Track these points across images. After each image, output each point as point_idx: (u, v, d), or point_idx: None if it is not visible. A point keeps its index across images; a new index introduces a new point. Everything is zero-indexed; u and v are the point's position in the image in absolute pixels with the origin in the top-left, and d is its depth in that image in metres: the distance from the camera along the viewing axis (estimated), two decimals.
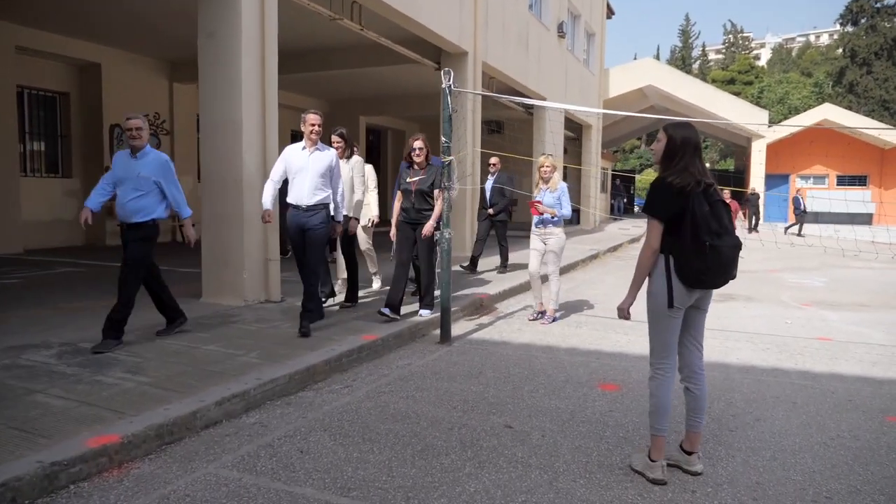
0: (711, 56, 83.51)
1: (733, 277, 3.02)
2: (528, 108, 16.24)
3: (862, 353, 5.63)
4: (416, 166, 5.92)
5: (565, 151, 23.29)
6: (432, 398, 4.10)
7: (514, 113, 18.10)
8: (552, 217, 6.43)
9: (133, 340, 4.77)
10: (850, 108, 42.39)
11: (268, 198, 5.24)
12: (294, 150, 5.31)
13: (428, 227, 5.79)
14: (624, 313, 3.13)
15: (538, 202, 6.40)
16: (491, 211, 9.39)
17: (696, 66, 78.68)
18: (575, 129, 22.16)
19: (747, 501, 2.79)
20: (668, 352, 3.06)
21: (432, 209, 5.85)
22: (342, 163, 6.22)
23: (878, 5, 46.16)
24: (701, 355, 3.18)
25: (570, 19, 18.68)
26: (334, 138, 6.29)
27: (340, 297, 6.67)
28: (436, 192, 5.80)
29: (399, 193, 6.05)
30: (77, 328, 5.12)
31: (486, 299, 7.34)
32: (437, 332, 5.72)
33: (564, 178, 21.11)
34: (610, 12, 26.02)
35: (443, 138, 5.54)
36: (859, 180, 27.81)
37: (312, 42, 11.52)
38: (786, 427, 3.72)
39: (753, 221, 21.87)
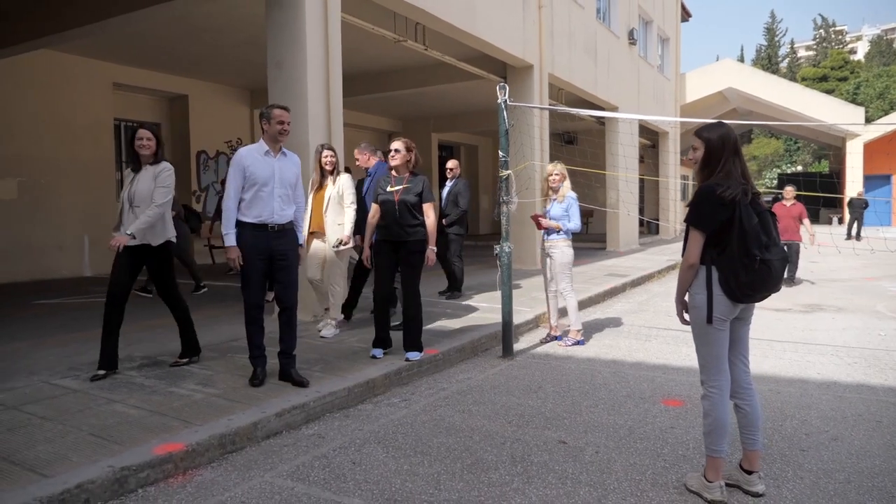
0: (801, 53, 79.33)
1: (777, 290, 2.87)
2: (599, 118, 15.98)
3: None
4: (395, 172, 4.99)
5: (641, 160, 22.70)
6: (488, 412, 4.09)
7: (586, 123, 17.85)
8: (557, 231, 5.97)
9: (207, 356, 5.04)
10: None
11: (232, 231, 4.10)
12: (253, 156, 4.19)
13: (432, 257, 4.98)
14: (680, 320, 3.02)
15: (541, 216, 6.00)
16: (444, 222, 8.17)
17: (783, 64, 74.92)
18: (651, 137, 21.59)
19: None
20: (719, 367, 2.90)
21: (420, 225, 4.92)
22: (329, 183, 5.61)
23: None
24: (748, 370, 3.01)
25: (642, 25, 18.28)
26: (327, 155, 5.60)
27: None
28: (425, 205, 4.95)
29: (374, 207, 5.05)
30: (157, 343, 5.46)
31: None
32: (500, 346, 5.71)
33: (641, 188, 20.63)
34: (686, 15, 25.27)
35: (500, 153, 5.55)
36: None
37: (379, 63, 11.86)
38: (866, 448, 3.46)
39: (856, 228, 20.00)
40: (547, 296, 6.34)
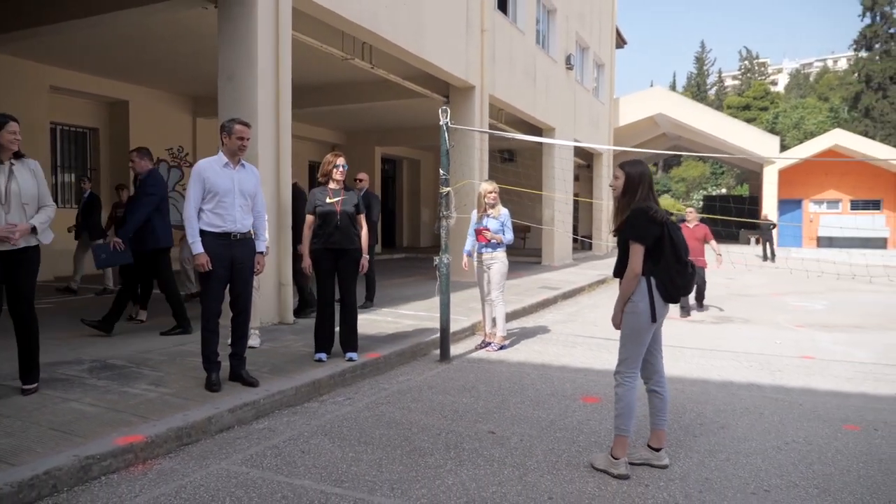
0: (728, 82, 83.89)
1: (690, 292, 3.47)
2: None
3: (840, 370, 5.91)
4: (334, 185, 5.29)
5: (577, 179, 23.72)
6: (425, 408, 4.49)
7: (525, 142, 18.62)
8: (498, 243, 6.46)
9: (157, 359, 5.24)
10: (866, 133, 42.42)
11: (198, 239, 4.26)
12: (213, 168, 4.36)
13: (365, 264, 5.39)
14: (617, 326, 3.49)
15: (486, 229, 6.45)
16: None
17: (712, 92, 79.09)
18: (587, 157, 22.61)
19: (693, 493, 3.14)
20: (639, 361, 3.43)
21: (358, 235, 5.33)
22: None
23: (892, 30, 46.36)
24: (662, 360, 3.55)
25: (579, 51, 19.25)
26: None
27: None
28: (360, 216, 5.38)
29: (309, 218, 5.30)
30: (107, 347, 5.61)
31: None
32: (438, 351, 6.12)
33: (576, 206, 21.51)
34: (622, 41, 26.63)
35: (441, 171, 5.99)
36: (873, 205, 27.79)
37: (327, 78, 12.17)
38: (747, 434, 4.05)
39: (768, 250, 20.27)
40: (483, 306, 6.79)
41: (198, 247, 4.28)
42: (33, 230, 4.05)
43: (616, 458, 3.34)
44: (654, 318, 3.33)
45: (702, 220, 9.92)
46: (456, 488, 3.14)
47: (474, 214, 6.69)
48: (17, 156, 4.09)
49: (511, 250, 6.82)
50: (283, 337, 6.32)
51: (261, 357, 5.38)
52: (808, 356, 6.52)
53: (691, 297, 9.23)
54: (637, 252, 3.33)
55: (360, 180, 8.44)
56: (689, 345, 7.02)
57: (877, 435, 4.08)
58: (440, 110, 5.96)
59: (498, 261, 6.53)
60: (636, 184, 3.43)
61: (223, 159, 4.45)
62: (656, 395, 3.49)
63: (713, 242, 9.50)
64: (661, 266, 3.31)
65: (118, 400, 4.09)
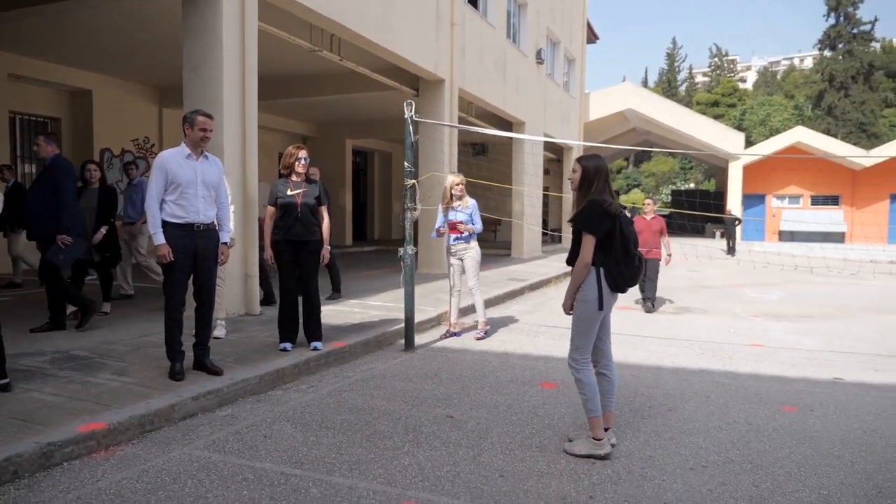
0: (699, 78, 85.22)
1: (637, 283, 3.63)
2: (507, 132, 16.90)
3: (787, 356, 6.19)
4: (295, 177, 5.36)
5: (547, 173, 24.02)
6: (387, 395, 4.61)
7: (497, 136, 18.78)
8: (471, 234, 6.65)
9: (121, 349, 5.27)
10: (828, 131, 43.59)
11: (160, 230, 4.30)
12: (175, 159, 4.39)
13: (326, 255, 5.51)
14: (567, 311, 3.64)
15: (460, 222, 6.61)
16: None
17: (682, 88, 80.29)
18: (557, 151, 22.88)
19: (636, 470, 3.32)
20: (590, 348, 3.60)
21: (318, 226, 5.42)
22: None
23: (855, 31, 47.63)
24: (611, 344, 3.73)
25: (550, 46, 19.45)
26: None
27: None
28: (321, 207, 5.46)
29: (271, 209, 5.39)
30: (70, 338, 5.61)
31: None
32: (403, 340, 6.24)
33: (546, 199, 21.73)
34: (593, 37, 26.91)
35: (406, 164, 6.10)
36: (832, 200, 28.64)
37: (296, 70, 12.13)
38: (692, 415, 4.26)
39: (730, 244, 20.52)
40: (451, 297, 6.95)
41: (160, 237, 4.32)
42: None
43: (598, 440, 3.47)
44: (601, 307, 3.49)
45: (668, 215, 9.99)
46: (412, 468, 3.27)
47: (440, 208, 6.81)
48: None
49: (481, 243, 7.01)
50: (249, 328, 6.38)
51: (226, 347, 5.44)
52: (758, 344, 6.80)
53: (639, 290, 9.00)
54: (588, 243, 3.49)
55: (313, 173, 8.39)
56: (647, 334, 7.25)
57: (812, 415, 4.32)
58: (405, 104, 6.05)
59: (472, 250, 6.75)
60: (592, 177, 3.58)
61: (186, 150, 4.47)
62: (605, 378, 3.66)
63: (666, 238, 9.12)
64: (610, 257, 3.47)
65: (80, 389, 4.13)
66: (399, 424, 3.95)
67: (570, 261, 3.61)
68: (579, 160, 3.68)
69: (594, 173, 3.56)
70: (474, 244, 6.77)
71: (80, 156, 12.74)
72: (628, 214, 3.97)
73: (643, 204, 9.52)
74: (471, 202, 6.78)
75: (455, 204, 6.71)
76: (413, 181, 6.06)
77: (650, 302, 9.01)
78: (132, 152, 13.71)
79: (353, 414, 4.14)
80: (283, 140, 18.59)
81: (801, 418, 4.26)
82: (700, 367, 5.68)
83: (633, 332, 7.35)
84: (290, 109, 16.70)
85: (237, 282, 6.94)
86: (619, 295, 3.66)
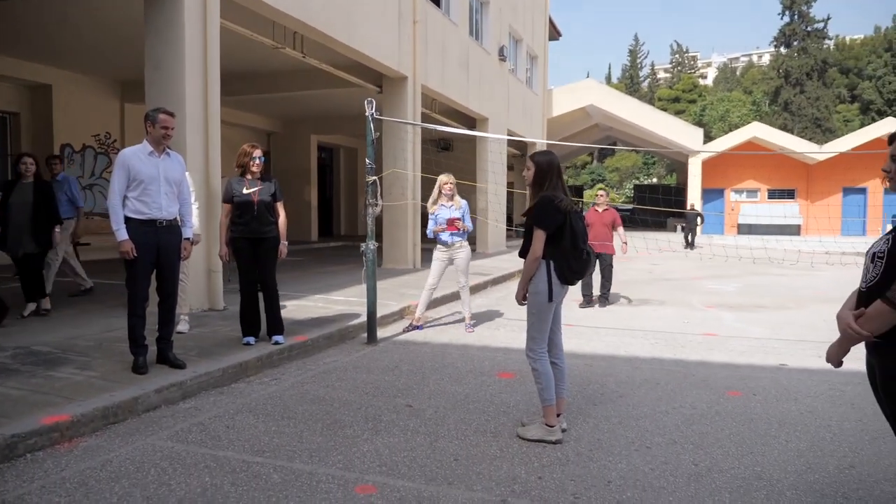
0: (661, 75, 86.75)
1: (586, 276, 3.82)
2: (470, 128, 17.08)
3: (736, 344, 6.49)
4: (250, 175, 5.43)
5: (511, 168, 24.28)
6: (349, 386, 4.73)
7: (459, 133, 18.93)
8: (464, 231, 6.89)
9: (84, 345, 5.28)
10: (785, 126, 44.87)
11: (122, 226, 4.36)
12: (137, 156, 4.45)
13: (284, 251, 5.56)
14: (520, 302, 3.82)
15: (458, 219, 6.84)
16: None
17: (645, 84, 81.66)
18: (521, 147, 23.14)
19: (584, 452, 3.51)
20: (545, 337, 3.77)
21: (276, 223, 5.49)
22: None
23: (809, 29, 49.10)
24: (561, 335, 3.91)
25: (512, 43, 19.68)
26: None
27: None
28: (278, 204, 5.52)
29: (226, 206, 5.47)
30: (31, 333, 5.60)
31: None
32: (366, 334, 6.35)
33: (510, 195, 21.98)
34: (556, 34, 27.27)
35: (367, 161, 6.21)
36: (788, 194, 29.57)
37: (260, 66, 12.11)
38: (641, 401, 4.48)
39: (690, 238, 20.97)
40: (425, 291, 7.03)
41: (122, 234, 4.37)
42: None
43: (551, 426, 3.65)
44: (550, 298, 3.66)
45: (631, 210, 10.10)
46: (370, 454, 3.41)
47: (429, 207, 6.95)
48: None
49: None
50: (213, 322, 6.43)
51: (190, 341, 5.49)
52: (710, 333, 7.10)
53: (597, 287, 8.93)
54: (539, 237, 3.66)
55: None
56: (604, 325, 7.50)
57: (754, 399, 4.58)
58: (366, 102, 6.16)
59: (465, 249, 7.01)
60: (544, 173, 3.76)
61: (148, 147, 4.52)
62: (556, 367, 3.84)
63: (620, 229, 8.98)
64: (559, 251, 3.65)
65: (44, 383, 4.16)
66: (359, 414, 4.08)
67: (523, 253, 3.78)
68: (531, 157, 3.86)
69: (546, 169, 3.73)
70: (466, 243, 7.02)
71: (40, 151, 12.46)
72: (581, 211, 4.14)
73: (596, 195, 9.11)
74: (462, 202, 7.03)
75: (447, 203, 6.89)
76: (374, 177, 6.17)
77: (604, 299, 8.86)
78: (93, 147, 13.50)
79: (314, 405, 4.26)
80: (247, 136, 18.44)
81: (743, 402, 4.51)
82: (652, 356, 5.93)
83: (590, 323, 7.59)
84: (255, 105, 16.61)
85: (201, 277, 6.96)
86: (579, 291, 3.83)
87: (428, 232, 7.06)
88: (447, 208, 6.88)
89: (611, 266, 8.98)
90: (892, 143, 2.26)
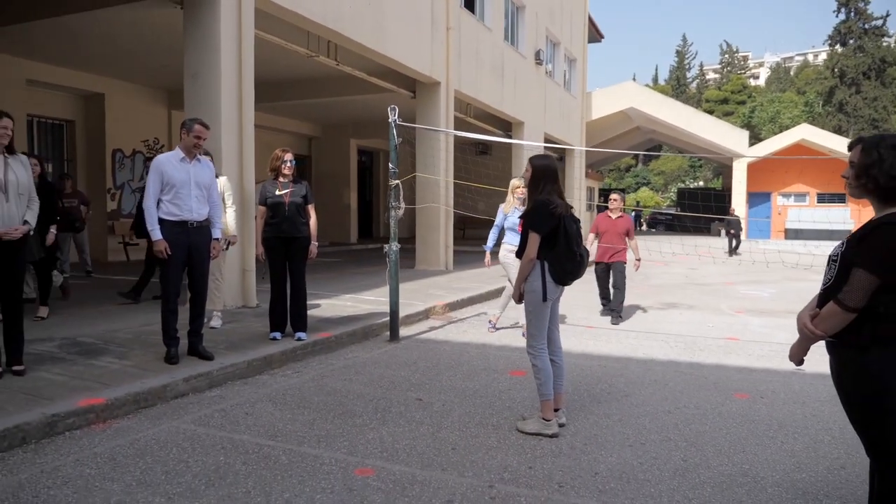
0: (710, 76, 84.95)
1: (581, 276, 3.95)
2: (507, 132, 17.22)
3: (757, 349, 6.47)
4: (282, 178, 5.73)
5: None
6: (365, 380, 4.97)
7: (499, 135, 19.11)
8: None
9: (123, 337, 5.68)
10: (839, 128, 43.44)
11: (157, 227, 4.69)
12: (170, 162, 4.78)
13: (314, 251, 5.85)
14: (517, 301, 3.98)
15: None
16: None
17: (693, 85, 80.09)
18: (559, 151, 23.13)
19: (578, 445, 3.66)
20: (543, 334, 3.94)
21: (307, 223, 5.78)
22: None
23: (866, 26, 47.37)
24: (559, 333, 4.07)
25: (549, 47, 19.73)
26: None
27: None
28: (309, 206, 5.83)
29: (262, 209, 5.77)
30: (77, 326, 6.04)
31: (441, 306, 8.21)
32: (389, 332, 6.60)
33: None
34: (598, 35, 27.13)
35: (390, 165, 6.46)
36: (839, 198, 28.63)
37: (296, 74, 12.55)
38: (646, 401, 4.58)
39: (734, 244, 20.10)
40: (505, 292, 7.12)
41: (157, 234, 4.72)
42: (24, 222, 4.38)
43: (548, 420, 3.82)
44: (545, 298, 3.82)
45: (672, 215, 9.39)
46: (374, 442, 3.64)
47: (501, 209, 6.96)
48: (9, 150, 4.35)
49: (483, 241, 7.29)
50: (245, 319, 6.78)
51: (220, 336, 5.84)
52: (733, 338, 7.08)
53: (602, 299, 8.30)
54: (534, 240, 3.82)
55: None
56: (626, 328, 7.55)
57: (761, 402, 4.62)
58: (389, 108, 6.41)
59: None
60: (540, 176, 3.93)
61: (180, 154, 4.86)
62: (555, 364, 3.99)
63: (634, 241, 8.03)
64: (554, 252, 3.81)
65: (84, 370, 4.53)
66: (370, 405, 4.32)
67: (519, 254, 3.95)
68: (531, 160, 4.03)
69: (542, 173, 3.90)
70: None
71: (94, 157, 13.28)
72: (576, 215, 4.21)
73: (611, 199, 8.19)
74: None
75: (520, 207, 6.79)
76: (396, 181, 6.41)
77: (616, 313, 7.88)
78: (143, 153, 14.20)
79: (330, 396, 4.51)
80: (289, 141, 19.06)
81: (748, 404, 4.56)
82: (669, 359, 5.98)
83: (612, 326, 7.65)
84: (295, 111, 17.15)
85: (236, 276, 7.34)
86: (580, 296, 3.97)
87: (490, 237, 7.03)
88: (519, 211, 6.71)
89: (624, 276, 8.03)
90: (851, 149, 2.36)
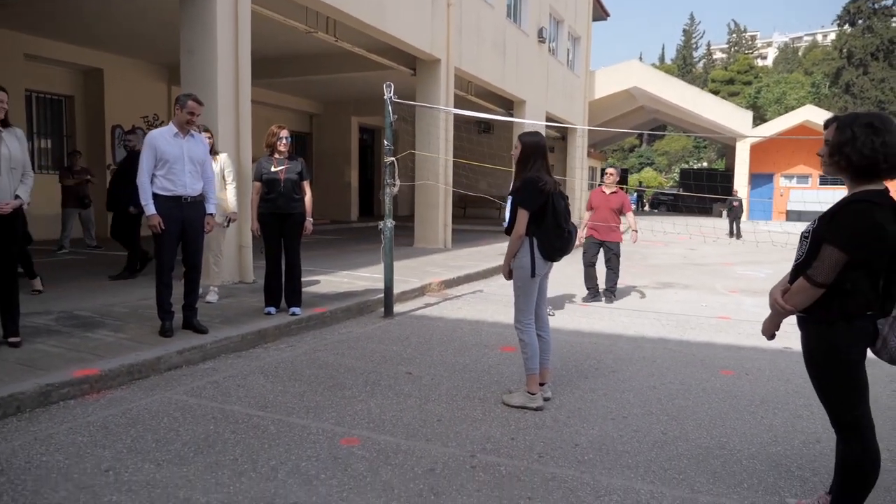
0: (717, 55, 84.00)
1: (569, 252, 4.00)
2: (508, 110, 17.15)
3: (747, 328, 6.53)
4: (278, 155, 5.77)
5: (551, 150, 24.17)
6: (357, 355, 5.05)
7: (500, 114, 19.02)
8: None
9: (120, 311, 5.76)
10: (845, 109, 42.98)
11: (150, 202, 4.72)
12: (164, 138, 4.81)
13: (309, 227, 5.88)
14: (505, 277, 4.03)
15: None
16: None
17: (700, 65, 79.24)
18: (561, 129, 23.03)
19: (561, 418, 3.73)
20: (531, 309, 3.99)
21: (301, 200, 5.83)
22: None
23: (875, 6, 46.67)
24: (545, 309, 4.13)
25: (553, 24, 19.55)
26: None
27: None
28: (304, 182, 5.87)
29: (257, 185, 5.82)
30: (75, 300, 6.12)
31: (436, 283, 8.28)
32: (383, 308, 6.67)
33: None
34: (604, 13, 26.84)
35: (385, 142, 6.47)
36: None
37: (295, 50, 12.48)
38: (633, 376, 4.65)
39: (735, 228, 19.63)
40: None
41: (151, 209, 4.76)
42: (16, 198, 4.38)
43: (533, 394, 3.89)
44: (533, 273, 3.87)
45: (673, 195, 9.40)
46: (362, 413, 3.72)
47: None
48: (4, 124, 4.34)
49: (484, 220, 7.36)
50: (241, 294, 6.85)
51: (215, 310, 5.91)
52: (725, 317, 7.14)
53: (602, 282, 7.90)
54: (522, 216, 3.86)
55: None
56: (619, 307, 7.61)
57: (745, 378, 4.69)
58: (384, 85, 6.41)
59: None
60: (529, 153, 3.95)
61: (173, 129, 4.89)
62: (541, 339, 4.05)
63: (630, 215, 7.80)
64: (542, 229, 3.85)
65: (80, 343, 4.62)
66: (360, 378, 4.39)
67: (508, 231, 3.99)
68: (520, 137, 4.06)
69: (531, 150, 3.93)
70: None
71: (93, 132, 13.29)
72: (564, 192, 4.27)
73: (606, 173, 7.98)
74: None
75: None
76: (392, 159, 6.43)
77: (611, 293, 7.84)
78: (143, 129, 14.19)
79: (321, 369, 4.59)
80: (290, 117, 19.01)
81: (733, 381, 4.63)
82: (659, 336, 6.05)
83: (606, 305, 7.71)
84: (296, 88, 17.07)
85: (232, 252, 7.40)
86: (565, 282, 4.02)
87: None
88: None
89: (617, 256, 7.85)
90: (826, 127, 2.38)
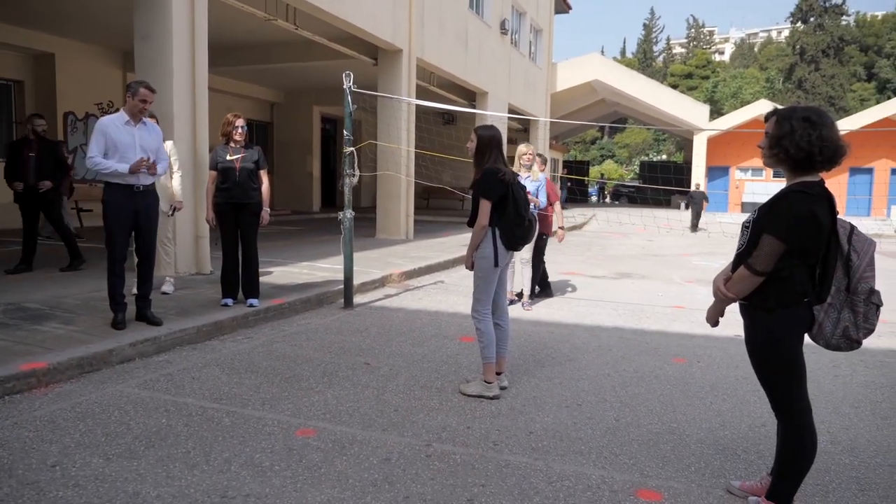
0: (676, 50, 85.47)
1: (530, 241, 4.07)
2: (471, 102, 17.16)
3: (700, 317, 6.57)
4: (234, 144, 5.68)
5: (513, 142, 24.33)
6: (316, 346, 5.03)
7: (462, 105, 19.02)
8: (536, 206, 6.40)
9: (70, 303, 5.61)
10: (798, 104, 44.28)
11: (114, 164, 4.62)
12: (114, 125, 4.70)
13: (265, 217, 5.78)
14: (468, 268, 4.06)
15: (529, 192, 6.05)
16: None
17: (660, 59, 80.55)
18: (523, 121, 23.16)
19: (517, 406, 3.79)
20: (489, 299, 4.03)
21: (258, 189, 5.75)
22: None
23: (826, 4, 48.18)
24: (506, 298, 4.17)
25: (515, 16, 19.61)
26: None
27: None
28: (261, 171, 5.78)
29: (212, 174, 5.71)
30: (23, 292, 5.93)
31: (397, 274, 8.28)
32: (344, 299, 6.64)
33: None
34: (566, 6, 26.99)
35: (345, 132, 6.43)
36: None
37: (254, 38, 12.26)
38: (588, 365, 4.74)
39: (694, 221, 19.29)
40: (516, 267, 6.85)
41: (123, 166, 4.62)
42: None
43: (489, 383, 3.93)
44: (496, 263, 3.91)
45: (634, 187, 9.00)
46: (318, 404, 3.71)
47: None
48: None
49: (448, 211, 7.30)
50: (198, 285, 6.73)
51: (171, 302, 5.80)
52: (679, 306, 7.32)
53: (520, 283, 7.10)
54: (485, 207, 3.90)
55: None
56: (578, 297, 7.73)
57: (696, 366, 4.83)
58: (344, 75, 6.35)
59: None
60: (486, 146, 3.99)
61: (124, 117, 4.77)
62: (499, 327, 4.10)
63: (557, 206, 7.19)
64: (504, 219, 3.89)
65: (28, 335, 4.48)
66: (318, 370, 4.38)
67: (471, 223, 4.02)
68: (476, 130, 4.09)
69: (487, 142, 3.96)
70: (535, 217, 6.60)
71: (45, 119, 12.80)
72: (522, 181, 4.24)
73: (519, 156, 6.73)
74: (541, 175, 6.78)
75: (524, 174, 6.43)
76: (351, 149, 6.39)
77: (530, 297, 7.07)
78: (96, 115, 13.76)
79: (278, 361, 4.56)
80: (250, 106, 18.68)
81: (685, 368, 4.76)
82: (615, 326, 6.17)
83: (569, 294, 7.83)
84: (256, 76, 16.76)
85: (188, 242, 7.26)
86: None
87: None
88: (523, 179, 6.22)
89: (542, 251, 7.31)
90: (767, 120, 2.46)
